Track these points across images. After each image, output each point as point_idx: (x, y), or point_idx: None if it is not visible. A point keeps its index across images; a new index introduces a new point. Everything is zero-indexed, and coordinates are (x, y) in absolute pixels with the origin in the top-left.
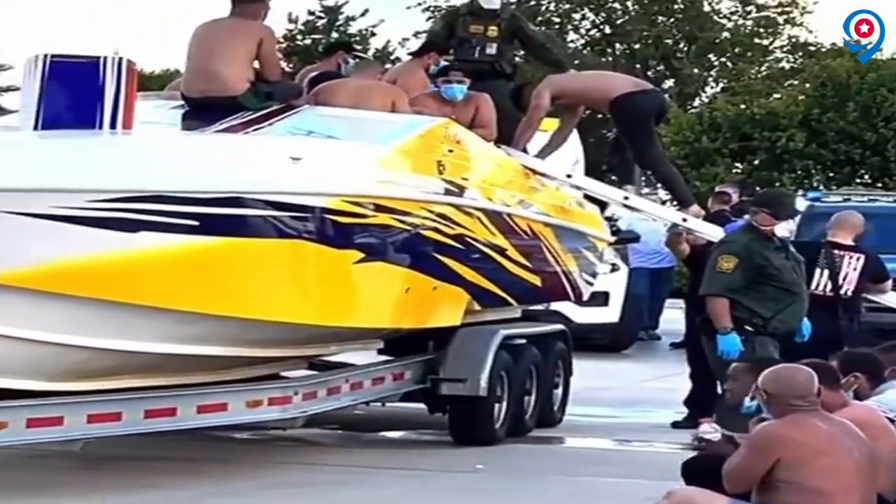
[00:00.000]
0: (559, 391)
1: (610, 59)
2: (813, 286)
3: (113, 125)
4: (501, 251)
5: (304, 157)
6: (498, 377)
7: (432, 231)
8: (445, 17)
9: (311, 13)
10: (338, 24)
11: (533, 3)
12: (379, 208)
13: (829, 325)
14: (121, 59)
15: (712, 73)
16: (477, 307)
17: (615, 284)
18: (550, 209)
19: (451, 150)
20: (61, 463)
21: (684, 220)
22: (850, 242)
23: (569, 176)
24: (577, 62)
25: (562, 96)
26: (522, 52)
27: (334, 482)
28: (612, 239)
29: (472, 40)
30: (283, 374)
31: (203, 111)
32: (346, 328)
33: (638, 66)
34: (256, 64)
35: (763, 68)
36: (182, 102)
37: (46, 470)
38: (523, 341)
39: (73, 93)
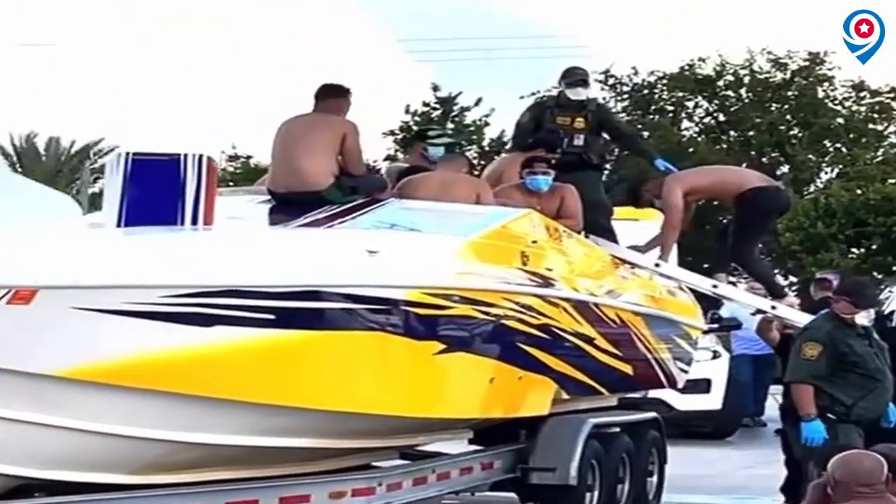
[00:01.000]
0: (654, 479)
1: (724, 146)
2: None
3: (194, 221)
4: (589, 340)
5: (381, 249)
6: (588, 465)
7: (516, 321)
8: (532, 109)
9: (425, 104)
10: (452, 114)
11: (647, 92)
12: (459, 299)
13: None
14: (201, 156)
15: (826, 158)
16: (565, 396)
17: (717, 371)
18: (640, 298)
19: (535, 241)
20: None
21: (773, 307)
22: None
23: (657, 265)
24: (691, 150)
25: (692, 192)
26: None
27: None
28: (707, 327)
29: (559, 132)
30: (375, 464)
31: (288, 206)
32: (430, 418)
33: (753, 153)
34: (341, 159)
35: (878, 153)
36: (269, 197)
37: None
38: (615, 430)
39: (155, 190)
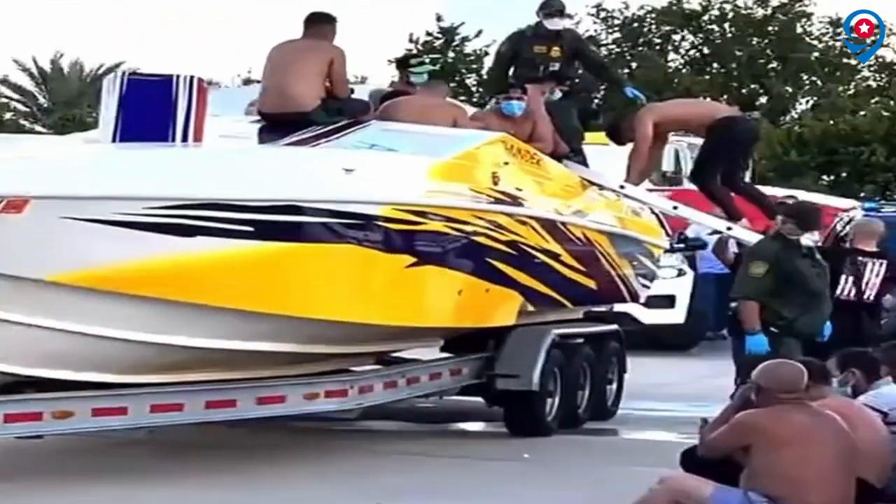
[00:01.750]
0: (613, 387)
1: (707, 77)
2: (838, 292)
3: (184, 138)
4: (555, 256)
5: (358, 167)
6: (550, 373)
7: (485, 238)
8: (511, 38)
9: (428, 34)
10: (454, 44)
11: (636, 25)
12: (431, 216)
13: (852, 328)
14: (192, 77)
15: (802, 91)
16: (531, 308)
17: (682, 288)
18: (606, 218)
19: (506, 163)
20: (133, 451)
21: (729, 227)
22: (872, 249)
23: (622, 187)
24: (676, 81)
25: (664, 122)
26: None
27: (383, 468)
28: (668, 245)
29: (535, 60)
30: (353, 368)
31: (277, 126)
32: (402, 327)
33: (734, 84)
34: (327, 83)
35: (850, 87)
36: (259, 118)
37: (118, 456)
38: (577, 340)
39: (148, 109)
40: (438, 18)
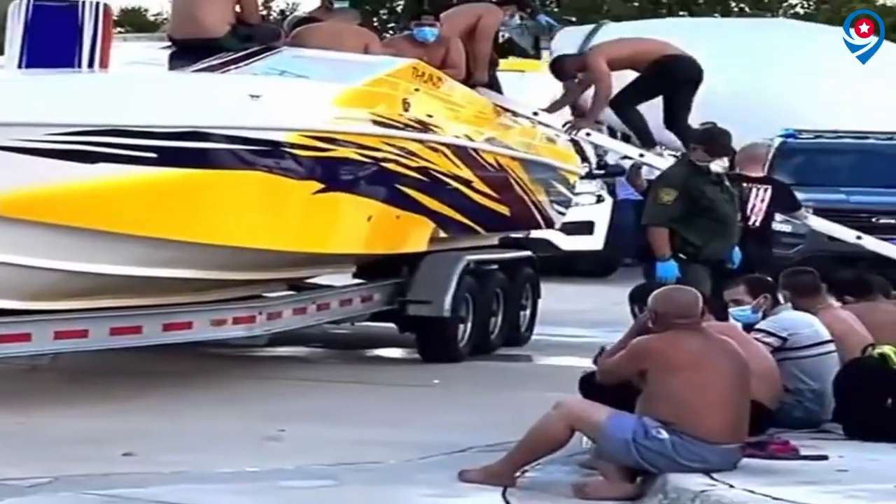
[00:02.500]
0: (527, 313)
1: (636, 3)
2: None
3: (91, 65)
4: (467, 183)
5: (264, 94)
6: (462, 299)
7: (395, 164)
8: None
9: None
10: None
11: None
12: (339, 143)
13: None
14: (97, 3)
15: (730, 17)
16: (443, 234)
17: (600, 214)
18: (519, 144)
19: (417, 89)
20: (37, 377)
21: (641, 154)
22: (758, 174)
23: (535, 113)
24: (605, 7)
25: (612, 63)
26: None
27: (291, 394)
28: (585, 171)
29: None
30: (265, 294)
31: (187, 52)
32: (311, 253)
33: (663, 10)
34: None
35: (779, 14)
36: (169, 44)
37: (22, 381)
38: (490, 266)
39: (54, 35)
40: None
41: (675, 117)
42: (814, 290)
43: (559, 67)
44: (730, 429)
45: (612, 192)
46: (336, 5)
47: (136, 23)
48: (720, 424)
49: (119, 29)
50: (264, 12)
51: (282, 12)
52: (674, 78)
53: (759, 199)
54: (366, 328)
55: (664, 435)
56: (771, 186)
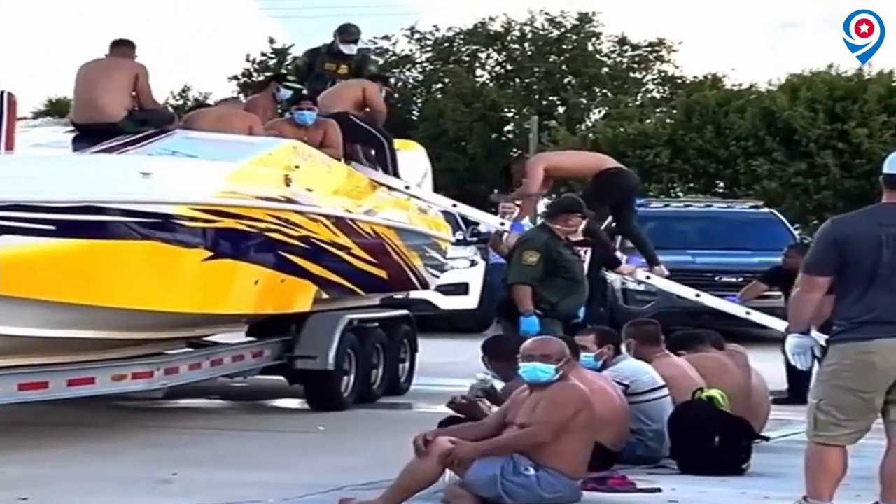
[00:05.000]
0: (405, 365)
1: (511, 91)
2: None
3: None
4: (346, 249)
5: (155, 171)
6: (345, 354)
7: (278, 233)
8: (308, 54)
9: (263, 54)
10: (286, 63)
11: (447, 45)
12: (224, 214)
13: None
14: (2, 91)
15: (595, 102)
16: (325, 296)
17: (474, 276)
18: (394, 215)
19: (297, 166)
20: None
21: (454, 205)
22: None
23: (407, 187)
24: (483, 94)
25: (554, 170)
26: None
27: (183, 441)
28: (457, 238)
29: (325, 76)
30: (166, 351)
31: (89, 135)
32: (202, 314)
33: (535, 96)
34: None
35: (637, 98)
36: (72, 128)
37: None
38: (370, 324)
39: None
40: (271, 41)
41: (626, 222)
42: (655, 340)
43: (506, 174)
44: (585, 466)
45: (485, 257)
46: (280, 93)
47: (63, 111)
48: (583, 462)
49: (49, 118)
50: (180, 102)
51: (196, 100)
52: (621, 187)
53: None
54: (260, 381)
55: (531, 472)
56: (591, 248)
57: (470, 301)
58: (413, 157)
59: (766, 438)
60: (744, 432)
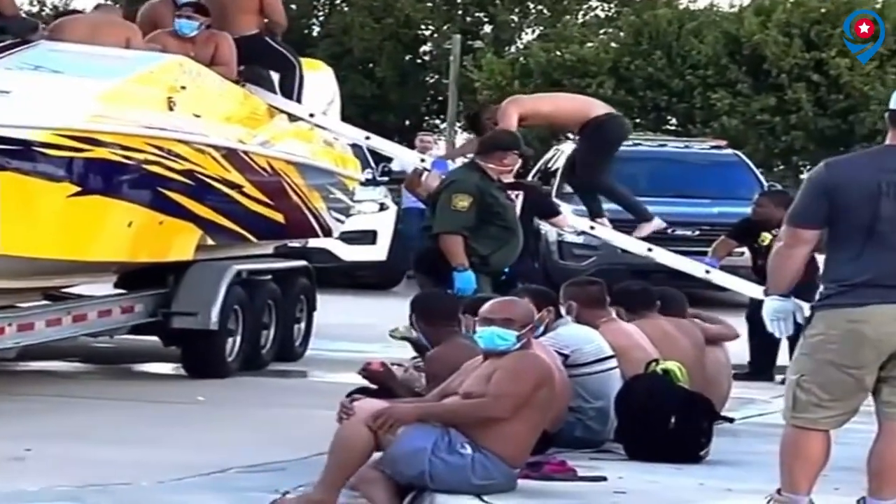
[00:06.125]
0: (301, 326)
1: (430, 4)
2: None
3: None
4: (237, 188)
5: (14, 90)
6: (231, 311)
7: (158, 167)
8: None
9: None
10: None
11: None
12: (95, 142)
13: None
14: None
15: (529, 20)
16: (211, 242)
17: (383, 223)
18: (294, 147)
19: (183, 87)
20: None
21: (367, 137)
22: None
23: (311, 115)
24: (396, 9)
25: (531, 116)
26: None
27: (36, 411)
28: (365, 177)
29: None
30: (18, 305)
31: None
32: (67, 261)
33: (458, 12)
34: None
35: (579, 16)
36: None
37: None
38: (261, 277)
39: None
40: None
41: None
42: (599, 302)
43: (475, 121)
44: (527, 454)
45: (396, 200)
46: None
47: None
48: (526, 449)
49: None
50: (35, 8)
51: (54, 6)
52: (612, 138)
53: None
54: (127, 341)
55: (468, 451)
56: (522, 192)
57: (378, 252)
58: (318, 80)
59: (731, 420)
60: (704, 412)
